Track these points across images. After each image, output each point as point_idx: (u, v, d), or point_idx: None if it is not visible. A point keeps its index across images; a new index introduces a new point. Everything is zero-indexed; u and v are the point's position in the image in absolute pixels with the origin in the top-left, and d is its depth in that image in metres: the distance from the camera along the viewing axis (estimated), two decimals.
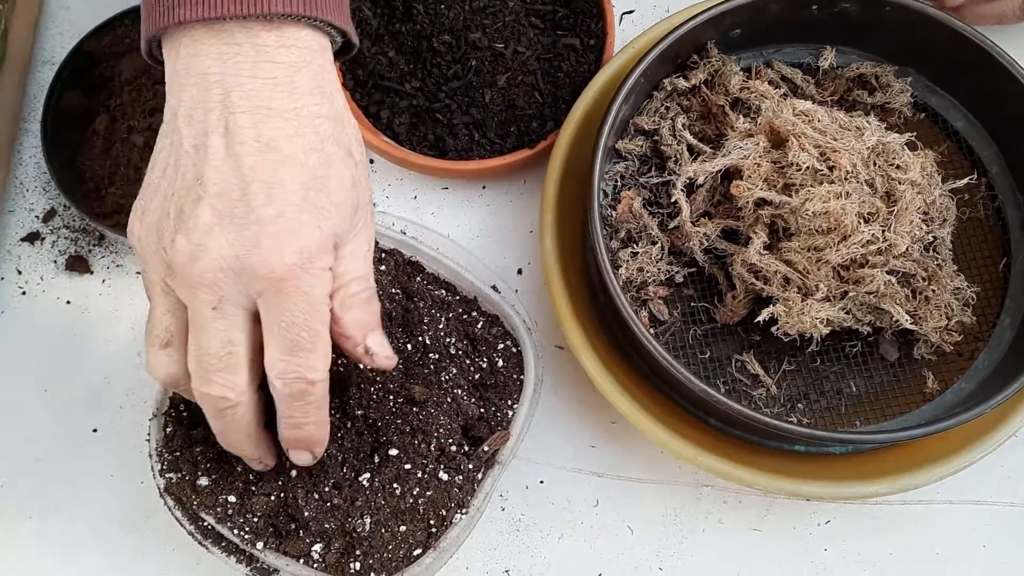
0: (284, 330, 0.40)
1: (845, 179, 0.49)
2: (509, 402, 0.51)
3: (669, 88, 0.57)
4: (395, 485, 0.48)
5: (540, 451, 0.56)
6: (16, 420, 0.57)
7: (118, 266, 0.60)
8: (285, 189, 0.39)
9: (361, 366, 0.48)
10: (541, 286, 0.59)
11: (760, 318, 0.50)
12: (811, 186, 0.49)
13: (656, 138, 0.56)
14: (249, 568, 0.49)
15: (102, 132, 0.59)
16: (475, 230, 0.61)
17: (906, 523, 0.55)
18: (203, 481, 0.49)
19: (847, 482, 0.50)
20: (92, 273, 0.60)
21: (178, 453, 0.49)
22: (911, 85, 0.57)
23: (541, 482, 0.56)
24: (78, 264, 0.60)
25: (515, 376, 0.52)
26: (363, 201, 0.42)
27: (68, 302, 0.59)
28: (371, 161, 0.62)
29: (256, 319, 0.41)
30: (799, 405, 0.53)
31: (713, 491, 0.56)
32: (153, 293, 0.42)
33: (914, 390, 0.53)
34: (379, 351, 0.44)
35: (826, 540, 0.55)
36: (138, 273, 0.60)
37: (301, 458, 0.45)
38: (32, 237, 0.60)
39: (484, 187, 0.62)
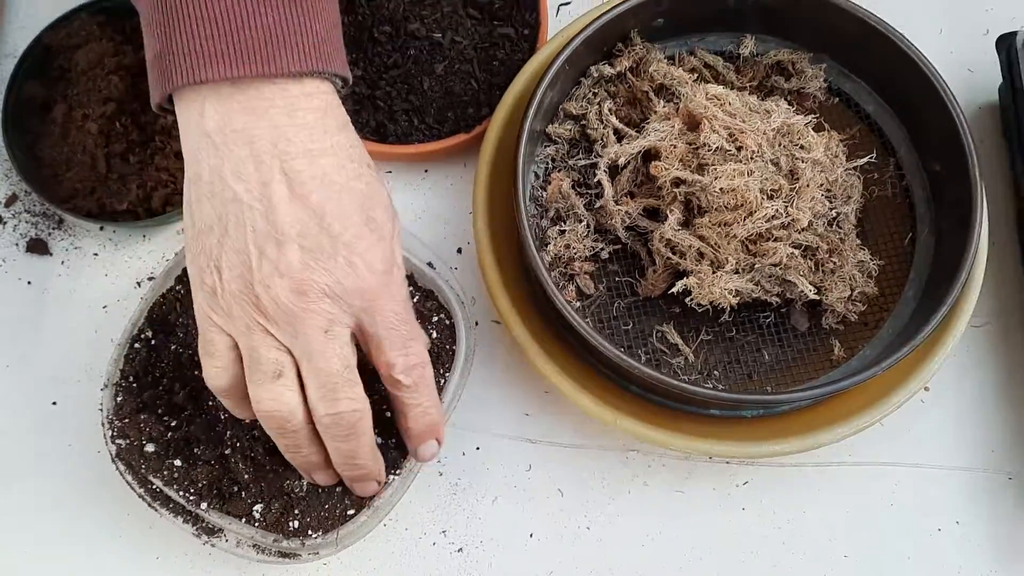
0: (393, 330, 0.46)
1: (751, 158, 0.52)
2: (442, 371, 0.54)
3: (596, 75, 0.60)
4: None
5: (477, 419, 0.60)
6: None
7: (76, 248, 0.63)
8: (351, 215, 0.44)
9: None
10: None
11: (675, 289, 0.54)
12: (719, 165, 0.52)
13: (584, 123, 0.60)
14: (195, 527, 0.52)
15: (60, 120, 0.62)
16: (418, 211, 0.64)
17: (819, 484, 0.58)
18: (150, 447, 0.52)
19: (757, 442, 0.53)
20: (51, 255, 0.63)
21: (127, 420, 0.53)
22: (826, 71, 0.60)
23: (477, 448, 0.59)
24: (38, 246, 0.63)
25: (448, 347, 0.55)
26: (391, 201, 0.48)
27: (29, 282, 0.62)
28: None
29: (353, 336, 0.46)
30: (715, 372, 0.56)
31: (639, 455, 0.59)
32: (250, 340, 0.44)
33: (823, 358, 0.56)
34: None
35: (744, 500, 0.58)
36: (95, 255, 0.63)
37: (431, 450, 0.50)
38: None
39: (426, 170, 0.65)
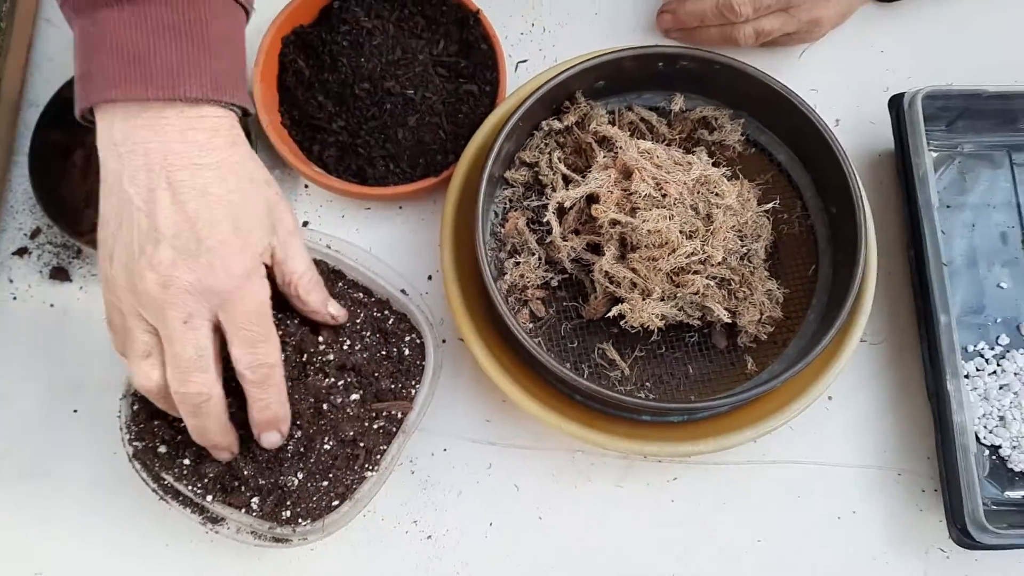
0: (243, 329, 0.53)
1: (673, 204, 0.62)
2: (413, 383, 0.64)
3: (547, 128, 0.70)
4: (316, 449, 0.61)
5: (444, 424, 0.69)
6: (8, 404, 0.68)
7: (93, 275, 0.72)
8: (220, 223, 0.52)
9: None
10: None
11: (612, 313, 0.63)
12: (647, 210, 0.62)
13: (536, 169, 0.69)
14: (201, 517, 0.61)
15: (79, 164, 0.71)
16: (394, 243, 0.73)
17: (738, 480, 0.68)
18: (162, 449, 0.61)
19: (680, 442, 0.63)
20: (71, 281, 0.72)
21: (142, 425, 0.61)
22: (744, 125, 0.70)
23: (444, 450, 0.69)
24: (59, 274, 0.72)
25: (418, 362, 0.64)
26: (280, 217, 0.56)
27: (52, 305, 0.71)
28: (306, 186, 0.75)
29: (216, 329, 0.54)
30: (647, 384, 0.66)
31: (583, 455, 0.68)
32: (128, 321, 0.53)
33: (738, 371, 0.66)
34: (338, 313, 0.61)
35: (674, 493, 0.68)
36: None
37: (271, 439, 0.57)
38: (21, 251, 0.72)
39: (400, 207, 0.74)
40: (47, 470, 0.67)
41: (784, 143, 0.70)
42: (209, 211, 0.51)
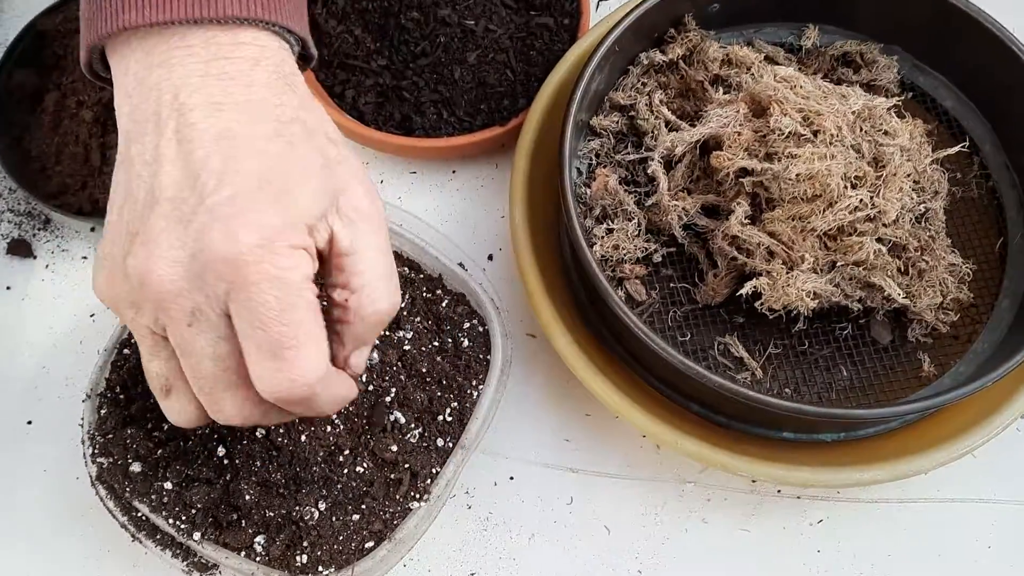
0: (259, 329, 0.33)
1: (830, 143, 0.46)
2: (475, 382, 0.47)
3: (645, 62, 0.54)
4: (346, 470, 0.44)
5: (510, 445, 0.52)
6: None
7: (63, 250, 0.57)
8: (240, 173, 0.34)
9: None
10: (513, 273, 0.56)
11: (744, 291, 0.47)
12: (795, 149, 0.46)
13: (632, 114, 0.54)
14: (186, 563, 0.45)
15: (51, 109, 0.56)
16: (444, 215, 0.58)
17: (906, 523, 0.51)
18: (136, 467, 0.45)
19: (841, 467, 0.46)
20: (35, 258, 0.56)
21: (111, 435, 0.45)
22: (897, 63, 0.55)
23: (511, 478, 0.52)
24: (20, 248, 0.56)
25: (481, 356, 0.48)
26: (347, 185, 0.37)
27: (8, 287, 0.56)
28: None
29: None
30: (786, 391, 0.49)
31: (696, 488, 0.52)
32: (137, 339, 0.37)
33: (909, 375, 0.49)
34: (356, 368, 0.39)
35: (819, 541, 0.51)
36: (84, 258, 0.57)
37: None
38: None
39: (454, 171, 0.59)
40: None
41: (953, 85, 0.55)
42: (223, 157, 0.34)
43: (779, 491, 0.51)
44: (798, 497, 0.51)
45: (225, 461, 0.44)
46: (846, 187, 0.45)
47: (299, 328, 0.34)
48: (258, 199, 0.34)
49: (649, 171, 0.51)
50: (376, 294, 0.37)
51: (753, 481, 0.51)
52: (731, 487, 0.51)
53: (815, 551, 0.50)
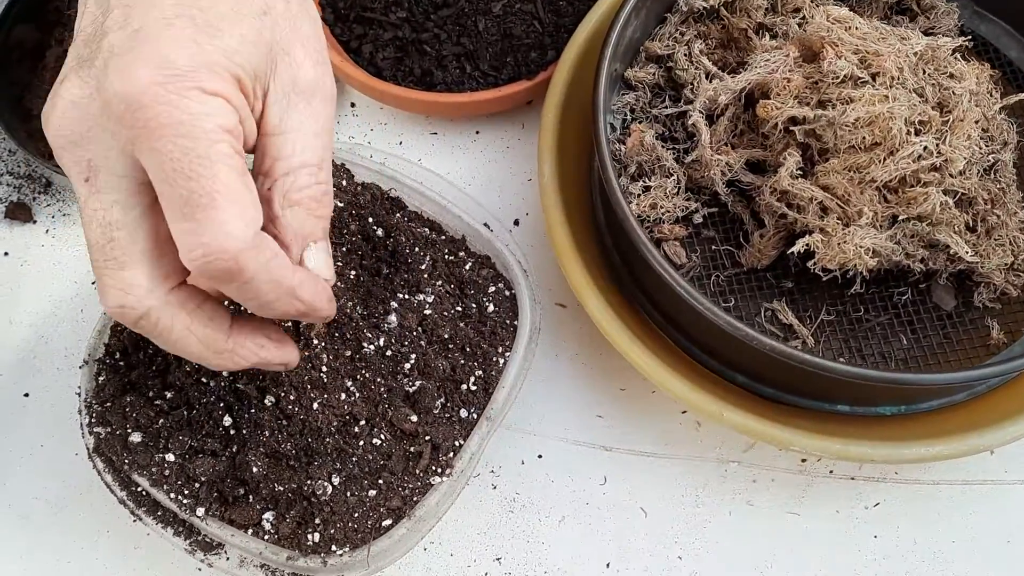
0: (165, 183, 0.29)
1: (890, 86, 0.42)
2: (500, 349, 0.44)
3: (685, 9, 0.50)
4: (362, 442, 0.41)
5: (538, 421, 0.49)
6: None
7: (64, 215, 0.54)
8: (154, 6, 0.30)
9: None
10: (540, 239, 0.52)
11: (795, 249, 0.43)
12: (853, 91, 0.42)
13: (670, 64, 0.50)
14: (188, 542, 0.41)
15: (52, 66, 0.53)
16: (467, 178, 0.54)
17: (970, 506, 0.47)
18: (135, 437, 0.41)
19: (904, 442, 0.42)
20: (35, 222, 0.53)
21: (109, 404, 0.42)
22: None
23: (539, 456, 0.48)
24: (20, 212, 0.53)
25: (508, 322, 0.45)
26: (287, 45, 0.32)
27: (6, 253, 0.53)
28: (352, 105, 0.56)
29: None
30: (840, 360, 0.45)
31: (740, 468, 0.47)
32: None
33: (976, 343, 0.45)
34: (317, 270, 0.34)
35: (876, 526, 0.46)
36: None
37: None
38: None
39: (478, 132, 0.55)
40: None
41: (1017, 32, 0.50)
42: None
43: (831, 471, 0.47)
44: (852, 478, 0.47)
45: (232, 431, 0.41)
46: (909, 133, 0.41)
47: (212, 183, 0.29)
48: (166, 35, 0.30)
49: (689, 124, 0.47)
50: (302, 176, 0.32)
51: (803, 460, 0.47)
52: (778, 467, 0.47)
53: (871, 536, 0.46)
